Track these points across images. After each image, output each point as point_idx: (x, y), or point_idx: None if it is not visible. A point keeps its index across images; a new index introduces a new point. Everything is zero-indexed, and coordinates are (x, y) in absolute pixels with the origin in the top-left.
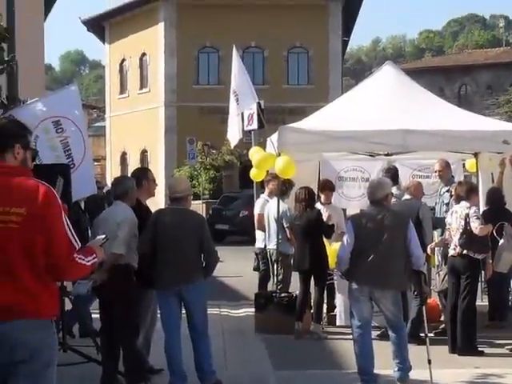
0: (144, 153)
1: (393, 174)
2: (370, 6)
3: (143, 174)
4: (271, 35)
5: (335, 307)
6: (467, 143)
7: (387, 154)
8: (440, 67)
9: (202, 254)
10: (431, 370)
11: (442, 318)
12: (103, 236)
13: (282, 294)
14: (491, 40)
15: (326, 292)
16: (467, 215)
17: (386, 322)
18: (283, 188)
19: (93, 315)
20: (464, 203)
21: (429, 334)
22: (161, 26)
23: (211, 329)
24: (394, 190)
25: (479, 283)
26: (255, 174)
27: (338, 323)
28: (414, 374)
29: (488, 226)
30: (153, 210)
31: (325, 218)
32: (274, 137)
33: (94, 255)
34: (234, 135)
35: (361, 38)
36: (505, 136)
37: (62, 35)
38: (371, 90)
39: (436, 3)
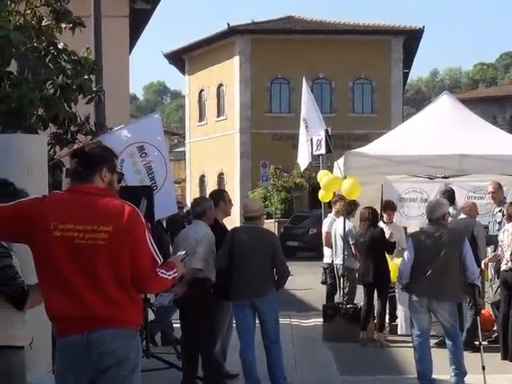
0: (221, 175)
1: (450, 195)
2: (428, 41)
3: (220, 195)
4: (338, 67)
5: (397, 317)
6: None
7: (445, 177)
8: (493, 97)
9: (274, 268)
10: (485, 375)
11: (495, 328)
12: (183, 252)
13: (348, 306)
14: None
15: (388, 303)
16: None
17: (444, 331)
18: (349, 208)
19: (174, 325)
20: None
21: (482, 342)
22: (236, 59)
23: (283, 337)
24: (451, 209)
25: None
26: (323, 195)
27: (399, 332)
28: (468, 379)
29: None
30: (229, 228)
31: (387, 235)
32: (341, 161)
33: (175, 270)
34: (303, 159)
35: (420, 70)
36: None
37: (145, 68)
38: (430, 118)
39: (489, 38)
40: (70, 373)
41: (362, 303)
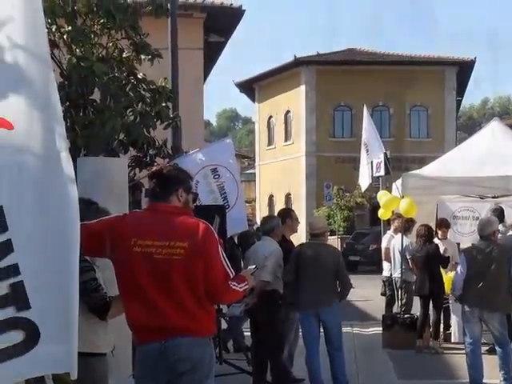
0: (288, 195)
1: (499, 213)
2: (479, 71)
3: (287, 214)
4: (396, 96)
5: (450, 326)
6: None
7: (494, 197)
8: None
9: (337, 281)
10: None
11: None
12: (254, 266)
13: (405, 316)
14: None
15: (442, 313)
16: None
17: (494, 339)
18: (406, 225)
19: (245, 333)
20: None
21: None
22: (302, 88)
23: (345, 344)
24: (500, 227)
25: None
26: (382, 214)
27: (452, 340)
28: None
29: None
30: (296, 243)
31: (442, 250)
32: (399, 182)
33: (246, 282)
34: (364, 180)
35: (472, 98)
36: None
37: (218, 96)
38: (481, 142)
39: None
40: (150, 378)
41: (418, 313)
